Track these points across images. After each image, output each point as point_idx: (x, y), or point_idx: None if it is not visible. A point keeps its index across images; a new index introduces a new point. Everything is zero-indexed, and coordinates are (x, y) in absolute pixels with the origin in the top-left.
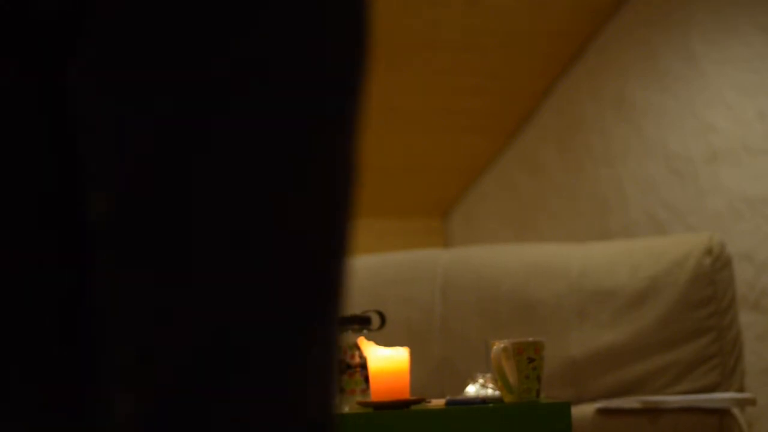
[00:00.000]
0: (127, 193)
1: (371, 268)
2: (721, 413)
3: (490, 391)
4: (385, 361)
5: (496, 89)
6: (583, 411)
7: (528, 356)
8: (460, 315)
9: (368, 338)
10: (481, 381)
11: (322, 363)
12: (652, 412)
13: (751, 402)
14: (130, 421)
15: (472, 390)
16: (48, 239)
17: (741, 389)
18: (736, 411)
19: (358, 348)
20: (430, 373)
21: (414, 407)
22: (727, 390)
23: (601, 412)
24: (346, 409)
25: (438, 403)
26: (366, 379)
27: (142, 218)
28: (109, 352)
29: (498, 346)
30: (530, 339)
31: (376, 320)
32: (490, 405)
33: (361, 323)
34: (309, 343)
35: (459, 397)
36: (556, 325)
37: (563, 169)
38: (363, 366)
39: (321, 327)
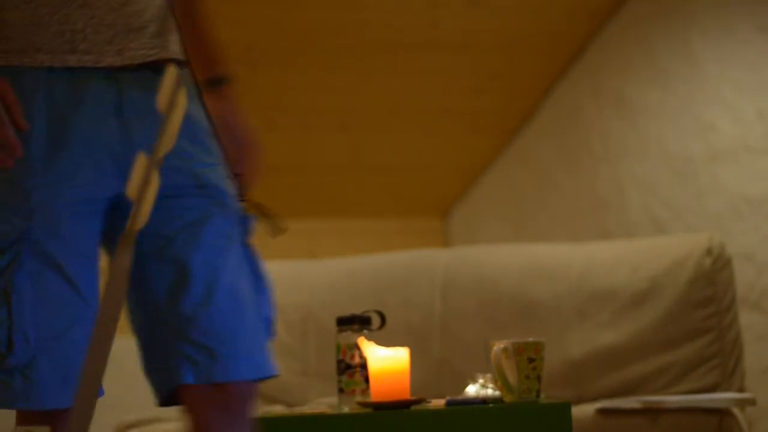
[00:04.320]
0: None
1: (371, 268)
2: (722, 413)
3: (490, 391)
4: (386, 362)
5: (496, 89)
6: (583, 411)
7: (528, 356)
8: (460, 315)
9: (368, 338)
10: (481, 381)
11: None
12: (653, 412)
13: (752, 402)
14: None
15: (472, 390)
16: None
17: (741, 389)
18: (736, 411)
19: (358, 348)
20: (430, 373)
21: (414, 407)
22: (727, 390)
23: (601, 412)
24: (346, 409)
25: (438, 403)
26: (366, 379)
27: None
28: None
29: (498, 346)
30: (530, 339)
31: (376, 320)
32: (490, 405)
33: (362, 323)
34: None
35: (459, 398)
36: (556, 326)
37: (563, 169)
38: (363, 366)
39: None
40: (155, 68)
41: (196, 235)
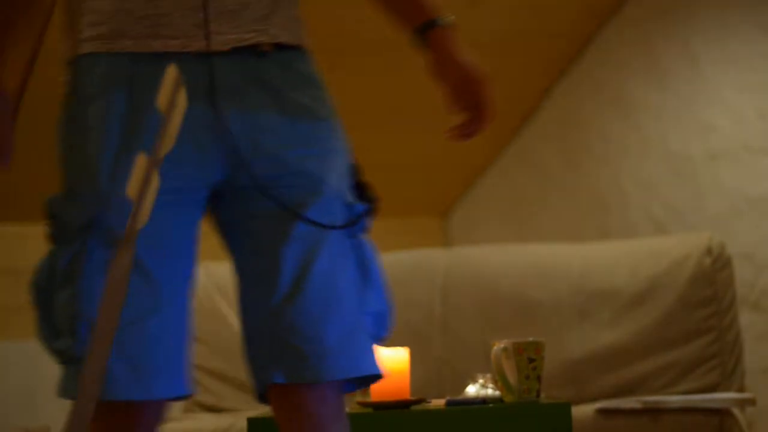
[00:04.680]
0: None
1: None
2: (722, 413)
3: (490, 391)
4: (386, 361)
5: (496, 89)
6: (583, 411)
7: (528, 356)
8: (460, 315)
9: None
10: (481, 381)
11: None
12: (653, 412)
13: (751, 402)
14: None
15: (472, 390)
16: None
17: (741, 389)
18: (736, 411)
19: None
20: (430, 373)
21: (414, 407)
22: (727, 390)
23: (601, 412)
24: (346, 409)
25: (438, 403)
26: None
27: None
28: None
29: (498, 346)
30: (530, 339)
31: None
32: (490, 405)
33: None
34: None
35: (459, 398)
36: (556, 326)
37: (563, 169)
38: None
39: None
40: (254, 51)
41: (287, 226)
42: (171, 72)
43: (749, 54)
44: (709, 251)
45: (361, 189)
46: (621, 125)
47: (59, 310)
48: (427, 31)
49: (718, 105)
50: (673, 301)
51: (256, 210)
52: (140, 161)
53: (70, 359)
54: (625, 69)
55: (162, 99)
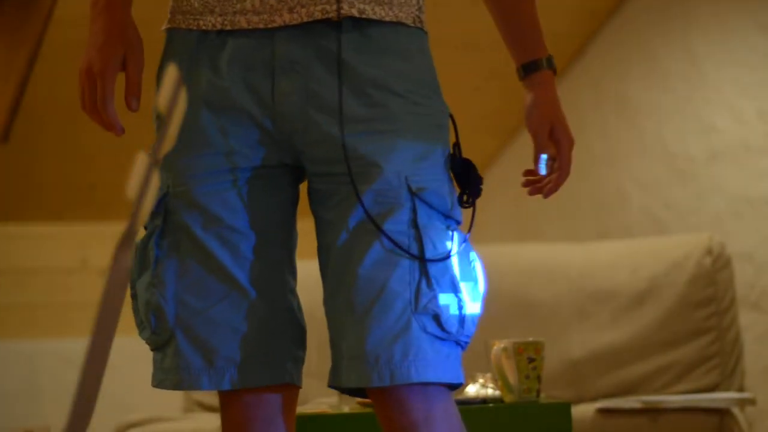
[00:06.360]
0: None
1: None
2: (722, 413)
3: (490, 391)
4: None
5: (496, 89)
6: (583, 411)
7: (528, 356)
8: None
9: None
10: (481, 381)
11: None
12: (653, 412)
13: (751, 402)
14: None
15: (472, 390)
16: None
17: (741, 389)
18: (736, 411)
19: None
20: None
21: None
22: (727, 390)
23: (602, 412)
24: (346, 409)
25: None
26: None
27: None
28: None
29: (498, 346)
30: (530, 339)
31: None
32: (490, 405)
33: None
34: None
35: (459, 397)
36: (556, 325)
37: None
38: None
39: None
40: (326, 24)
41: (339, 218)
42: (171, 72)
43: (749, 54)
44: (709, 251)
45: (459, 170)
46: (621, 125)
47: (140, 299)
48: (532, 71)
49: (718, 105)
50: (673, 301)
51: (321, 199)
52: (140, 161)
53: (153, 348)
54: (626, 69)
55: (162, 99)
